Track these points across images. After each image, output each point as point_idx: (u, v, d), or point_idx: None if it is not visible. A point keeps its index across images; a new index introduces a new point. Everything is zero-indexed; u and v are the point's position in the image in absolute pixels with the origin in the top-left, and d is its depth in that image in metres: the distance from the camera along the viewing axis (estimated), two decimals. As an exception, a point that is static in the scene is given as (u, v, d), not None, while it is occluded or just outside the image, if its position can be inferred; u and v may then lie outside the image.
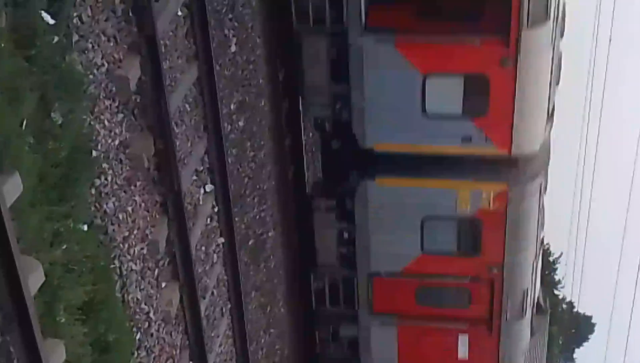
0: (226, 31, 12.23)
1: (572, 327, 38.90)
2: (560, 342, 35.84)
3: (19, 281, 6.12)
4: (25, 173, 6.48)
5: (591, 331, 40.85)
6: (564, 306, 36.74)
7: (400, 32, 12.80)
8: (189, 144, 10.66)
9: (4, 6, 6.57)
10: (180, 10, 10.20)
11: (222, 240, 12.02)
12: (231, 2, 12.33)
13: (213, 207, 11.64)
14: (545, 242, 30.50)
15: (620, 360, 40.27)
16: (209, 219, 11.52)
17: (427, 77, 13.05)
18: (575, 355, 40.01)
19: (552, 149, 14.44)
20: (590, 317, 40.76)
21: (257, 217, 14.31)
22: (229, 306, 12.52)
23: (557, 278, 35.57)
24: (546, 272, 31.08)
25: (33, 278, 6.41)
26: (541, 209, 14.38)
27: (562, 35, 13.58)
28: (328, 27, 13.06)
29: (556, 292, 35.34)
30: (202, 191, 11.23)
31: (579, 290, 38.51)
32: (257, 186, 14.21)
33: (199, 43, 10.71)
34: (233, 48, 12.54)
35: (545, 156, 14.19)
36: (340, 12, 12.79)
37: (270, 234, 15.16)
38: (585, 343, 40.51)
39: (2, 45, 6.45)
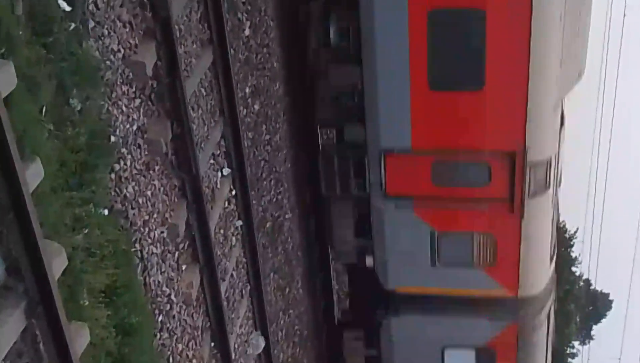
0: (240, 15, 12.27)
1: (590, 305, 38.85)
2: (578, 320, 35.79)
3: (43, 266, 6.21)
4: (46, 159, 6.56)
5: (609, 308, 40.79)
6: (581, 283, 36.64)
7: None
8: (206, 129, 10.74)
9: (21, -6, 6.64)
10: (194, -5, 10.25)
11: (240, 222, 12.12)
12: (244, -14, 12.37)
13: (230, 190, 11.73)
14: (561, 219, 30.47)
15: (638, 337, 40.26)
16: (226, 203, 11.61)
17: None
18: (593, 332, 39.98)
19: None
20: (607, 294, 40.69)
21: (274, 200, 14.40)
22: (249, 288, 12.63)
23: (573, 255, 35.46)
24: (562, 249, 31.01)
25: (57, 262, 6.51)
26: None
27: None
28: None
29: (573, 269, 35.25)
30: (219, 174, 11.31)
31: (596, 266, 38.45)
32: (274, 169, 14.29)
33: (213, 27, 10.75)
34: (247, 32, 12.58)
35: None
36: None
37: (287, 216, 15.26)
38: (603, 320, 40.48)
39: (20, 33, 6.52)
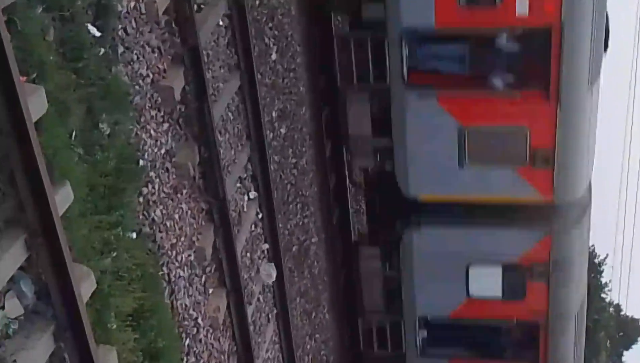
0: (267, 40, 12.36)
1: (620, 331, 38.28)
2: (608, 345, 35.26)
3: (71, 289, 6.24)
4: (75, 183, 6.61)
5: (639, 334, 40.15)
6: (611, 309, 36.14)
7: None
8: (233, 153, 10.78)
9: (52, 20, 6.73)
10: (222, 21, 10.34)
11: (266, 246, 12.12)
12: (271, 12, 12.46)
13: (257, 214, 11.74)
14: (590, 244, 30.04)
15: (670, 363, 39.57)
16: (253, 226, 11.62)
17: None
18: (624, 359, 39.36)
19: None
20: (638, 320, 40.06)
21: (301, 224, 14.39)
22: (275, 312, 12.60)
23: (603, 281, 34.98)
24: (591, 275, 30.62)
25: (85, 286, 6.53)
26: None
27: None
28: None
29: (603, 296, 34.77)
30: (246, 198, 11.34)
31: (626, 292, 37.89)
32: (300, 193, 14.30)
33: (240, 52, 10.84)
34: (274, 56, 12.65)
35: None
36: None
37: (313, 240, 15.23)
38: (633, 346, 39.84)
39: (51, 58, 6.60)
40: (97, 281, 6.75)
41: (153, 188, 8.43)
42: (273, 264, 12.06)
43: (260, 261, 11.93)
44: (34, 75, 6.22)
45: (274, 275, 12.00)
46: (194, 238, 9.40)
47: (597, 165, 14.40)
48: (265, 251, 12.14)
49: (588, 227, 14.51)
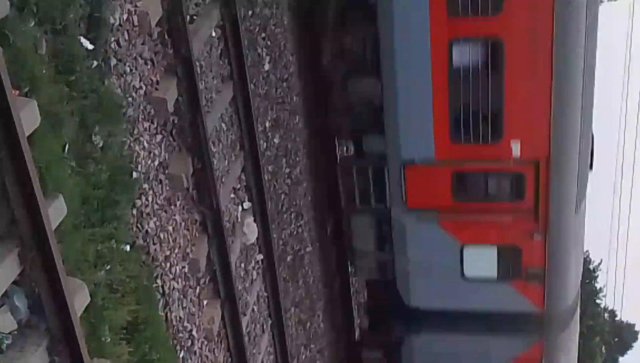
0: (259, 50, 12.36)
1: (615, 336, 38.33)
2: (604, 351, 35.29)
3: (65, 302, 6.22)
4: (68, 196, 6.59)
5: (635, 339, 40.23)
6: (606, 315, 36.19)
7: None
8: (226, 163, 10.77)
9: (44, 33, 6.72)
10: (214, 31, 10.34)
11: (260, 256, 12.09)
12: (263, 22, 12.47)
13: (251, 224, 11.71)
14: (584, 250, 30.12)
15: (666, 369, 39.59)
16: (247, 237, 11.60)
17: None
18: (619, 365, 39.40)
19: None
20: (633, 325, 40.14)
21: (295, 233, 14.38)
22: (270, 322, 12.58)
23: (597, 286, 35.05)
24: (586, 281, 30.66)
25: (79, 299, 6.52)
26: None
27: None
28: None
29: (597, 301, 34.82)
30: (240, 208, 11.32)
31: (621, 297, 37.92)
32: (294, 203, 14.29)
33: (233, 63, 10.84)
34: (266, 66, 12.66)
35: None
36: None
37: (307, 249, 15.22)
38: (629, 352, 39.91)
39: (44, 71, 6.59)
40: (90, 294, 6.74)
41: (147, 199, 8.41)
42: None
43: (255, 271, 11.92)
44: (27, 89, 6.21)
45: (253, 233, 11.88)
46: (188, 250, 9.38)
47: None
48: (260, 262, 12.12)
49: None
